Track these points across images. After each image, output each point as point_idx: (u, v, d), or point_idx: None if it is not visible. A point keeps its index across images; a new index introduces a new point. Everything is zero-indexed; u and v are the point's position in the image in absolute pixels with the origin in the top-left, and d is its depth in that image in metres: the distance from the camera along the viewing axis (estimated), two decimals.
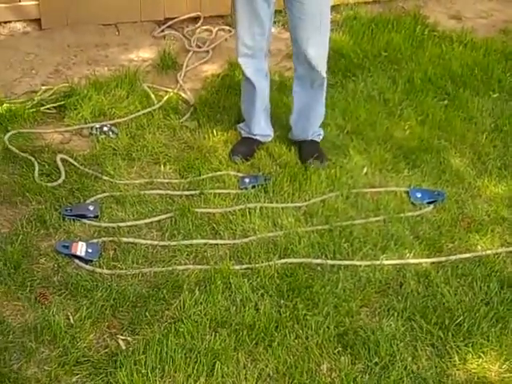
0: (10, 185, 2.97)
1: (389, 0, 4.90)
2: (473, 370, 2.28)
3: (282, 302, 2.51)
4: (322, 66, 3.14)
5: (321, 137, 3.40)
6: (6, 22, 4.11)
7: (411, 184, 3.18)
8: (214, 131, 3.45)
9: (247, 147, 3.33)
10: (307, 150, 3.31)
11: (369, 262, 2.70)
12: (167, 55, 4.05)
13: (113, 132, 3.35)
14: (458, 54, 4.28)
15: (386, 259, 2.73)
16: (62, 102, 3.57)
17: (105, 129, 3.36)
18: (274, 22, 4.61)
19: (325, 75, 3.18)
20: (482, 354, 2.33)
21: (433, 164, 3.31)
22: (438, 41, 4.44)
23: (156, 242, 2.76)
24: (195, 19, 4.46)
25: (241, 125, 3.41)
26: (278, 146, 3.39)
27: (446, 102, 3.83)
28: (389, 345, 2.33)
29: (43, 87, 3.69)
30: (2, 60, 3.88)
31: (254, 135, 3.35)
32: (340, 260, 2.72)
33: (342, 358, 2.31)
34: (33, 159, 3.12)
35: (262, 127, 3.36)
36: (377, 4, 4.87)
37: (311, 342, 2.36)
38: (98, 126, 3.37)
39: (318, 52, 3.10)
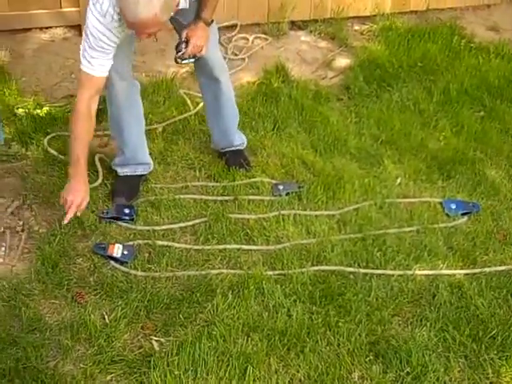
0: (49, 186, 3.02)
1: (425, 10, 4.90)
2: None
3: (315, 308, 2.52)
4: None
5: None
6: (47, 28, 4.19)
7: (445, 195, 3.18)
8: (249, 138, 3.47)
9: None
10: None
11: (401, 272, 2.70)
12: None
13: None
14: (494, 65, 4.27)
15: (419, 269, 2.72)
16: (100, 107, 3.61)
17: None
18: (311, 31, 4.66)
19: None
20: None
21: (468, 175, 3.30)
22: (475, 52, 4.43)
23: (190, 246, 2.79)
24: (232, 27, 4.51)
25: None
26: (312, 154, 3.41)
27: (482, 113, 3.82)
28: (421, 355, 2.33)
29: None
30: (42, 65, 3.95)
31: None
32: (373, 269, 2.72)
33: (374, 366, 2.32)
34: None
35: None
36: (413, 14, 4.87)
37: (343, 349, 2.37)
38: None
39: None
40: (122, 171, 3.09)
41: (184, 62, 2.94)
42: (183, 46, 2.86)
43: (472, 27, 4.80)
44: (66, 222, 2.68)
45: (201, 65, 3.09)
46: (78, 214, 2.69)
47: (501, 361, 2.34)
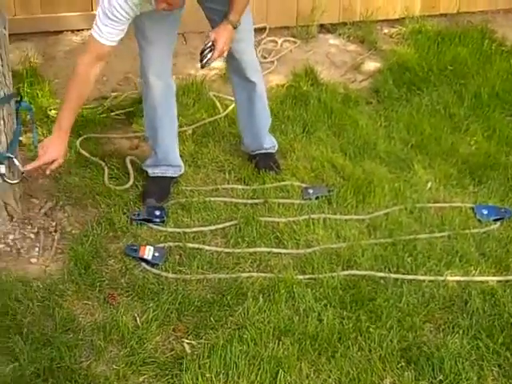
0: (81, 188, 3.06)
1: (455, 13, 4.87)
2: None
3: (345, 313, 2.51)
4: None
5: None
6: (78, 30, 4.23)
7: (477, 200, 3.15)
8: (278, 141, 3.47)
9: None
10: None
11: (433, 278, 2.68)
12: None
13: None
14: None
15: (451, 275, 2.71)
16: (131, 109, 3.66)
17: None
18: (340, 34, 4.65)
19: None
20: None
21: (500, 180, 3.26)
22: (506, 55, 4.38)
23: (220, 249, 2.80)
24: (261, 30, 4.51)
25: None
26: (342, 158, 3.40)
27: None
28: (454, 362, 2.31)
29: (113, 93, 3.79)
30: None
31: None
32: (403, 274, 2.71)
33: (406, 373, 2.30)
34: (103, 163, 3.20)
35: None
36: (443, 17, 4.83)
37: (374, 354, 2.36)
38: None
39: None
40: (153, 172, 3.10)
41: (207, 65, 2.94)
42: (208, 51, 2.85)
43: (503, 30, 4.75)
44: (27, 168, 2.70)
45: (234, 65, 3.10)
46: (47, 172, 2.73)
47: None
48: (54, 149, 2.69)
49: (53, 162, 2.71)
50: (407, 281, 2.67)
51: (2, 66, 2.60)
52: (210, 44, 2.83)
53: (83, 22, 4.21)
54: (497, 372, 2.33)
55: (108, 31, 2.64)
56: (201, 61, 2.86)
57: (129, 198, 3.01)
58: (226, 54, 2.91)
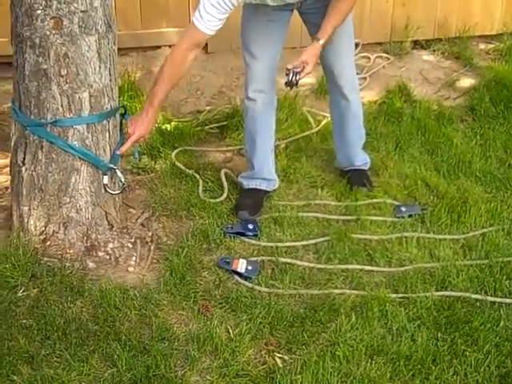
0: (176, 199, 3.13)
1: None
2: None
3: (440, 335, 2.46)
4: None
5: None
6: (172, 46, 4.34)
7: None
8: (371, 158, 3.46)
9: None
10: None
11: None
12: (325, 81, 4.11)
13: None
14: None
15: None
16: (225, 123, 3.73)
17: None
18: (434, 51, 4.59)
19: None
20: None
21: None
22: None
23: (313, 265, 2.81)
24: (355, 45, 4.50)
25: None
26: (435, 176, 3.35)
27: None
28: None
29: (207, 107, 3.87)
30: None
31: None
32: (501, 297, 2.63)
33: None
34: (197, 176, 3.27)
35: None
36: None
37: (470, 379, 2.30)
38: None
39: None
40: (248, 184, 3.15)
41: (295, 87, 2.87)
42: (296, 72, 2.78)
43: None
44: (122, 151, 2.78)
45: (333, 81, 3.12)
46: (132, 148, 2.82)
47: None
48: (143, 126, 2.77)
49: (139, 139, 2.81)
50: (505, 304, 2.60)
51: (111, 80, 2.70)
52: (300, 67, 2.79)
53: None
54: None
55: (208, 19, 2.67)
56: (289, 82, 2.79)
57: (222, 211, 3.06)
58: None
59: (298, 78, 2.77)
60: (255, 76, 3.02)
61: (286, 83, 2.80)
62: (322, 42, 2.82)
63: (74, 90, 2.61)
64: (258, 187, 3.14)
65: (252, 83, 3.02)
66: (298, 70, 2.78)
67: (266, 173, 3.16)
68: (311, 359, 2.35)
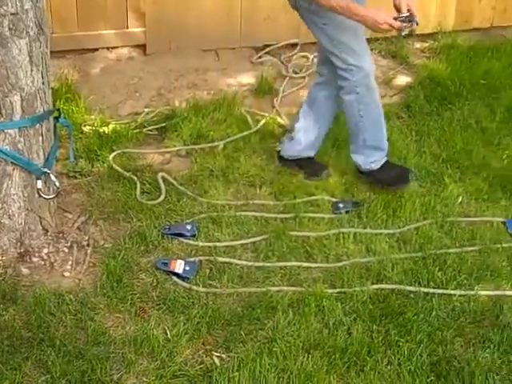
0: (114, 202, 3.11)
1: (489, 28, 4.85)
2: None
3: (375, 327, 2.51)
4: None
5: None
6: (113, 48, 4.32)
7: (508, 214, 3.13)
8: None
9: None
10: None
11: (463, 292, 2.67)
12: (264, 80, 4.15)
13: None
14: None
15: (482, 290, 2.69)
16: (163, 124, 3.72)
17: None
18: (371, 50, 4.66)
19: None
20: None
21: None
22: None
23: (251, 263, 2.82)
24: (293, 46, 4.55)
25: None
26: None
27: None
28: (484, 377, 2.30)
29: (146, 109, 3.86)
30: (108, 83, 4.07)
31: None
32: (434, 288, 2.70)
33: None
34: (135, 178, 3.26)
35: None
36: (476, 32, 4.82)
37: (404, 368, 2.35)
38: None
39: None
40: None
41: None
42: (407, 20, 2.89)
43: None
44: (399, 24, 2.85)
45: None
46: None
47: None
48: (375, 11, 2.84)
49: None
50: (437, 295, 2.66)
51: (43, 83, 2.67)
52: (406, 14, 2.87)
53: (118, 40, 4.31)
54: None
55: None
56: (400, 31, 2.90)
57: (160, 213, 3.05)
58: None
59: (410, 26, 2.89)
60: (369, 64, 3.07)
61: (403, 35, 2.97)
62: None
63: (5, 94, 2.57)
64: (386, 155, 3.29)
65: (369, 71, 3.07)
66: (405, 18, 2.88)
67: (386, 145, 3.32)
68: (248, 356, 2.37)
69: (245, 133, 3.69)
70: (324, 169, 3.38)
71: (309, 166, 3.39)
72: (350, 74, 3.06)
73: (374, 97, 3.16)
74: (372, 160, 3.26)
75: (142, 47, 4.33)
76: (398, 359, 2.39)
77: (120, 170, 3.32)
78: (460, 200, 3.23)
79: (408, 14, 2.88)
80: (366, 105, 3.15)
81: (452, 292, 2.67)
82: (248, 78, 4.25)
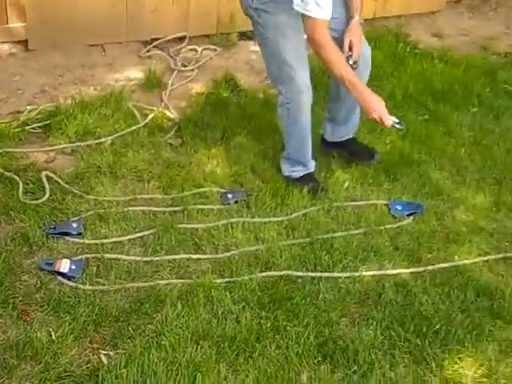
0: None
1: (371, 18, 4.99)
2: (449, 376, 2.33)
3: (263, 314, 2.54)
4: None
5: None
6: None
7: (391, 197, 3.23)
8: (198, 148, 3.50)
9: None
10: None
11: (349, 274, 2.74)
12: (153, 74, 4.11)
13: None
14: (438, 70, 4.36)
15: (366, 270, 2.77)
16: (48, 122, 3.62)
17: None
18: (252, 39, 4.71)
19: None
20: (458, 360, 2.37)
21: (413, 177, 3.36)
22: (420, 58, 4.52)
23: (139, 258, 2.79)
24: (181, 39, 4.53)
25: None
26: (261, 162, 3.44)
27: (426, 117, 3.90)
28: (367, 353, 2.37)
29: (29, 107, 3.73)
30: None
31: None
32: (320, 272, 2.76)
33: (322, 367, 2.35)
34: (17, 178, 3.15)
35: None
36: None
37: (291, 352, 2.39)
38: None
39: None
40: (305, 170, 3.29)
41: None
42: (350, 54, 3.02)
43: (417, 34, 4.89)
44: (390, 122, 2.92)
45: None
46: (390, 122, 2.92)
47: (444, 354, 2.39)
48: (382, 104, 2.94)
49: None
50: (324, 278, 2.72)
51: None
52: (349, 53, 3.01)
53: None
54: (408, 359, 2.40)
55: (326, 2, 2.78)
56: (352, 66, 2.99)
57: (45, 212, 2.97)
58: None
59: (352, 61, 2.99)
60: (304, 82, 3.06)
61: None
62: (357, 17, 3.01)
63: None
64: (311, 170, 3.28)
65: (303, 89, 3.07)
66: (350, 53, 3.00)
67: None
68: (136, 352, 2.34)
69: (133, 128, 3.64)
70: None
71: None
72: (284, 88, 3.12)
73: (304, 116, 3.16)
74: (294, 170, 3.29)
75: (24, 43, 4.19)
76: (286, 343, 2.43)
77: (1, 170, 3.20)
78: (346, 185, 3.31)
79: (349, 54, 3.01)
80: (294, 121, 3.18)
81: (338, 275, 2.74)
82: (136, 73, 4.20)
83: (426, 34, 4.95)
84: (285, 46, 3.03)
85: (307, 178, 3.28)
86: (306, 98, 3.12)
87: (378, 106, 2.91)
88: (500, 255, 2.90)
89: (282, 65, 3.06)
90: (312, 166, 3.31)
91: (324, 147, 3.52)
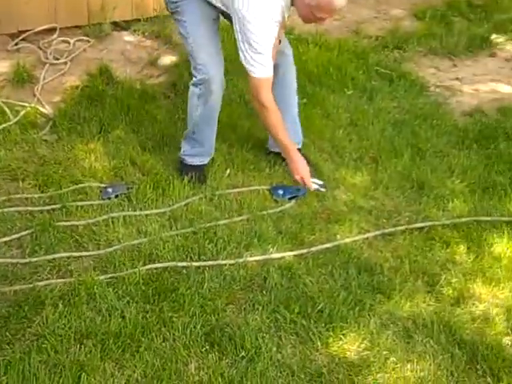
0: None
1: None
2: (334, 353, 2.38)
3: (149, 307, 2.50)
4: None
5: None
6: None
7: (273, 182, 3.27)
8: (75, 143, 3.40)
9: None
10: None
11: (233, 261, 2.75)
12: (22, 69, 3.94)
13: None
14: (313, 54, 4.45)
15: (250, 256, 2.78)
16: None
17: None
18: (134, 31, 4.62)
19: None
20: (342, 337, 2.43)
21: None
22: (295, 43, 4.56)
23: (16, 260, 2.68)
24: (51, 31, 4.37)
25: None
26: (141, 154, 3.38)
27: (304, 100, 3.95)
28: (254, 338, 2.39)
29: None
30: None
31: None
32: (205, 261, 2.75)
33: (210, 355, 2.34)
34: None
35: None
36: None
37: (178, 343, 2.37)
38: None
39: None
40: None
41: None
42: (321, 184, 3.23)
43: (291, 19, 4.93)
44: (315, 186, 3.15)
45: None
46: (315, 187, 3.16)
47: (328, 332, 2.44)
48: (303, 164, 3.16)
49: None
50: (209, 267, 2.72)
51: None
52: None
53: None
54: (294, 340, 2.43)
55: (269, 60, 2.92)
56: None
57: None
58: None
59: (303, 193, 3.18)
60: (219, 72, 3.10)
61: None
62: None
63: None
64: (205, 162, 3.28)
65: (214, 78, 3.08)
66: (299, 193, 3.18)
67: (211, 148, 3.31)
68: (15, 357, 2.25)
69: (3, 125, 3.49)
70: None
71: None
72: (197, 72, 3.11)
73: (214, 101, 3.15)
74: (190, 153, 3.26)
75: None
76: (173, 334, 2.40)
77: None
78: (228, 173, 3.32)
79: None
80: (204, 102, 3.14)
81: (222, 262, 2.74)
82: (4, 67, 4.01)
83: (300, 20, 5.01)
84: (202, 33, 3.09)
85: (192, 168, 3.25)
86: (217, 86, 3.12)
87: (302, 170, 3.14)
88: (379, 232, 2.99)
89: (198, 50, 3.10)
90: (211, 148, 3.30)
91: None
